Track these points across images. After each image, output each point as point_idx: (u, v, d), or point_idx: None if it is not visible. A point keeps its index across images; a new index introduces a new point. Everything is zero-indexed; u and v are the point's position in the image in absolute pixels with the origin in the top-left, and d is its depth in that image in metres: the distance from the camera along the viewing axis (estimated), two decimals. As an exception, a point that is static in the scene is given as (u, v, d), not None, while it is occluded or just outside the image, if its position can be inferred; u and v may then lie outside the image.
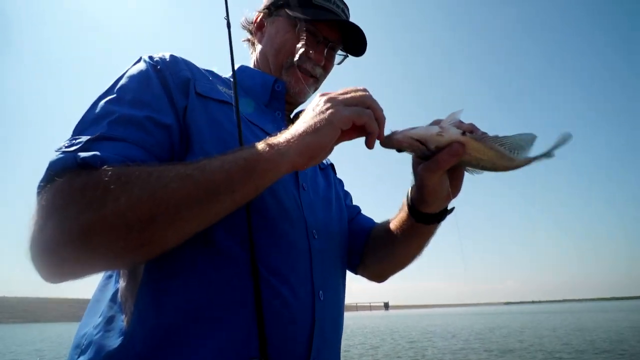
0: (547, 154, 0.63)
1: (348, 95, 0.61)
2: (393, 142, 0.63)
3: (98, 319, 0.64)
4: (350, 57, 0.98)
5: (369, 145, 0.62)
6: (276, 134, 0.63)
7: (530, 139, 0.62)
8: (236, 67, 0.89)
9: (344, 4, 0.93)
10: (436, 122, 0.65)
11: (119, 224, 0.51)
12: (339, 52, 0.95)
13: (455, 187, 0.73)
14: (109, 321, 0.62)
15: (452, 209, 0.80)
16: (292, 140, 0.57)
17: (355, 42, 0.92)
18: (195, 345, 0.59)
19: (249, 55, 0.99)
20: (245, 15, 0.97)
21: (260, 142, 0.58)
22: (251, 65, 0.96)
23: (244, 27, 0.98)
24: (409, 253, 0.91)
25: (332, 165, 1.07)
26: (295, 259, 0.70)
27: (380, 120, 0.61)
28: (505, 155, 0.62)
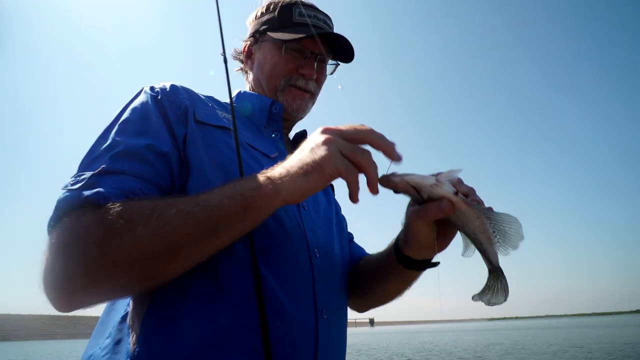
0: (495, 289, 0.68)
1: (348, 138, 0.58)
2: (390, 184, 0.65)
3: (106, 341, 0.65)
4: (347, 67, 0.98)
5: (351, 199, 0.59)
6: (274, 163, 0.67)
7: (515, 227, 0.63)
8: (234, 92, 0.95)
9: (325, 15, 0.94)
10: (437, 175, 0.66)
11: (122, 261, 0.54)
12: (330, 62, 0.95)
13: (441, 243, 0.73)
14: (117, 343, 0.64)
15: (437, 263, 0.79)
16: (285, 179, 0.57)
17: (342, 50, 0.92)
18: None
19: (244, 82, 1.01)
20: (234, 46, 1.00)
21: (258, 176, 0.58)
22: (247, 90, 0.98)
23: (235, 58, 1.01)
24: (387, 292, 0.91)
25: (331, 185, 1.07)
26: (298, 278, 0.71)
27: (370, 179, 0.59)
28: (487, 231, 0.64)
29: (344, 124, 0.60)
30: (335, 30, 0.97)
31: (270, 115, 0.89)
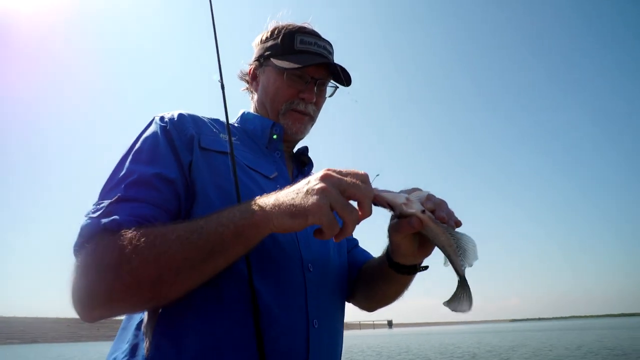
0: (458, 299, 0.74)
1: (342, 190, 0.61)
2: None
3: (125, 345, 0.75)
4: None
5: (315, 235, 0.64)
6: (274, 184, 0.81)
7: (472, 246, 0.72)
8: (239, 113, 1.03)
9: (326, 41, 0.99)
10: (410, 193, 0.73)
11: (132, 282, 0.62)
12: (330, 84, 1.01)
13: (422, 252, 0.80)
14: (134, 348, 0.73)
15: (426, 267, 0.85)
16: (274, 211, 0.62)
17: (342, 74, 0.97)
18: None
19: (249, 101, 1.07)
20: (241, 67, 1.06)
21: (252, 203, 0.64)
22: (252, 110, 1.04)
23: (241, 79, 1.07)
24: (385, 294, 0.96)
25: None
26: (291, 291, 0.78)
27: (344, 231, 0.62)
28: (452, 246, 0.72)
29: (347, 169, 0.65)
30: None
31: (271, 137, 0.95)
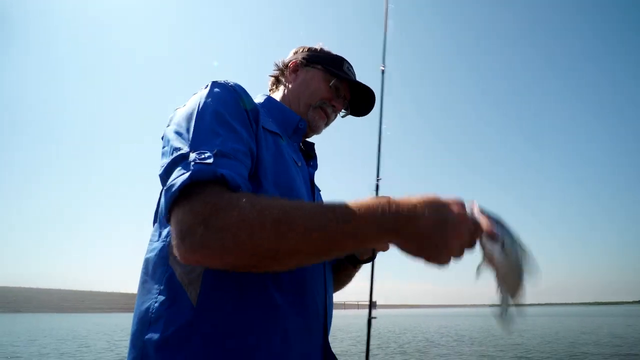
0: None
1: (474, 236, 0.68)
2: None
3: (160, 297, 0.74)
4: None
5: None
6: (300, 170, 0.92)
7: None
8: (262, 97, 1.06)
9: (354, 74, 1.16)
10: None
11: (247, 248, 0.63)
12: (342, 112, 1.15)
13: (381, 248, 1.05)
14: (174, 297, 0.72)
15: (370, 258, 1.13)
16: (410, 233, 0.64)
17: (358, 108, 1.17)
18: (252, 327, 0.74)
19: (267, 85, 1.15)
20: (283, 58, 1.13)
21: (389, 221, 0.64)
22: (277, 98, 1.08)
23: (277, 67, 1.13)
24: (338, 281, 1.15)
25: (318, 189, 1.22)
26: (316, 278, 0.89)
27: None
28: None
29: (481, 216, 0.69)
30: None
31: (296, 129, 1.02)
